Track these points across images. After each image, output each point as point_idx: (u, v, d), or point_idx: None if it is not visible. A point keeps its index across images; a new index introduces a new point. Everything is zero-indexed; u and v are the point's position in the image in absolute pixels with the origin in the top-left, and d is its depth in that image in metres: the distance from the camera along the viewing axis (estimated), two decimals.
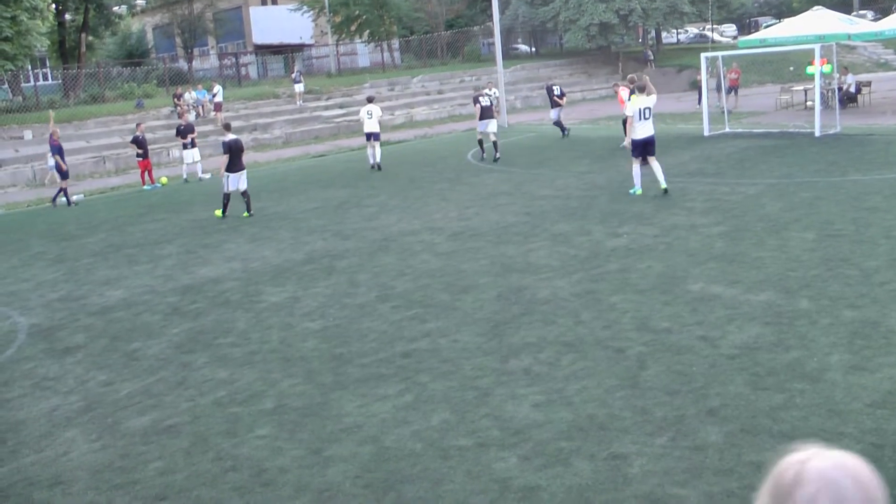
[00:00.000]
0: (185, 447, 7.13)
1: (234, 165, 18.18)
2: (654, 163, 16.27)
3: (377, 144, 24.55)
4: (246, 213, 18.36)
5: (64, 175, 23.79)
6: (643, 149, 16.19)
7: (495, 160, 23.60)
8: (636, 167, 16.54)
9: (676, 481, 5.73)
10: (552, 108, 29.73)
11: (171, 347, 9.93)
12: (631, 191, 16.68)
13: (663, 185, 16.14)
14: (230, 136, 18.53)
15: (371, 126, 24.53)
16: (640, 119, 16.06)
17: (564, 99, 30.41)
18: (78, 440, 7.58)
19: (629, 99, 18.31)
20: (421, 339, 9.25)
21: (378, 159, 24.46)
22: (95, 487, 6.60)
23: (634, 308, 9.60)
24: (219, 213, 18.66)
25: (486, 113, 24.06)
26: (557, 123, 29.45)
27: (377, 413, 7.39)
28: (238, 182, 18.28)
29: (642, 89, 16.30)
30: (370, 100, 25.86)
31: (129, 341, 10.37)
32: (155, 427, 7.65)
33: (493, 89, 29.90)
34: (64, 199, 23.69)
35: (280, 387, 8.25)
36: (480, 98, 24.41)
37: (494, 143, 23.94)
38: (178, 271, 13.85)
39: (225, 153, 18.30)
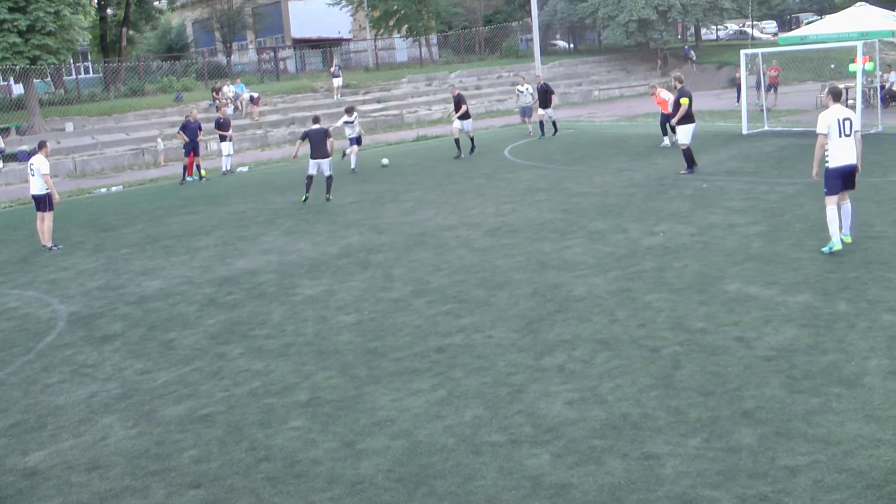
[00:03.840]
0: (220, 436, 7.21)
1: (316, 152, 19.45)
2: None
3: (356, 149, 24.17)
4: (327, 197, 19.44)
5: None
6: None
7: (472, 151, 25.56)
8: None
9: (709, 483, 5.69)
10: (545, 107, 29.15)
11: (207, 338, 10.03)
12: None
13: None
14: (314, 126, 20.04)
15: (351, 132, 23.92)
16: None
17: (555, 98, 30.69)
18: (115, 426, 7.68)
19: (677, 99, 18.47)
20: (455, 335, 9.26)
21: (352, 165, 24.02)
22: (132, 473, 6.69)
23: (670, 307, 9.54)
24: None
25: (467, 113, 26.07)
26: (551, 122, 29.47)
27: (410, 407, 7.42)
28: (316, 167, 19.55)
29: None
30: (349, 111, 24.40)
31: (165, 331, 10.48)
32: (190, 416, 7.73)
33: (526, 85, 30.91)
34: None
35: (314, 379, 8.30)
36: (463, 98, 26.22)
37: (472, 139, 25.96)
38: (214, 263, 13.96)
39: (302, 139, 19.99)
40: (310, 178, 19.53)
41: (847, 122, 11.05)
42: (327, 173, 19.54)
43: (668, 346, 8.34)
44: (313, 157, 19.48)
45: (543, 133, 29.07)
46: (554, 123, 29.50)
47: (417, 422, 7.10)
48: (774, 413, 6.66)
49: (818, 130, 11.14)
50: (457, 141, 25.81)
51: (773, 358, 7.83)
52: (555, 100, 30.02)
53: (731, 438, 6.29)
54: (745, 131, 25.42)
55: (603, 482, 5.82)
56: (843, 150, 11.08)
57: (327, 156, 19.51)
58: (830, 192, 11.15)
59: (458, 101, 26.06)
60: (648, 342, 8.51)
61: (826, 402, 6.78)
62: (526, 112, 30.54)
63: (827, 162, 11.21)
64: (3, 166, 29.99)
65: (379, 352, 8.92)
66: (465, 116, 25.96)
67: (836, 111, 11.09)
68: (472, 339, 9.10)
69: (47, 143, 17.01)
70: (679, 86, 19.28)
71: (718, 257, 11.50)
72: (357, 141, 23.94)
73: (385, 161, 25.21)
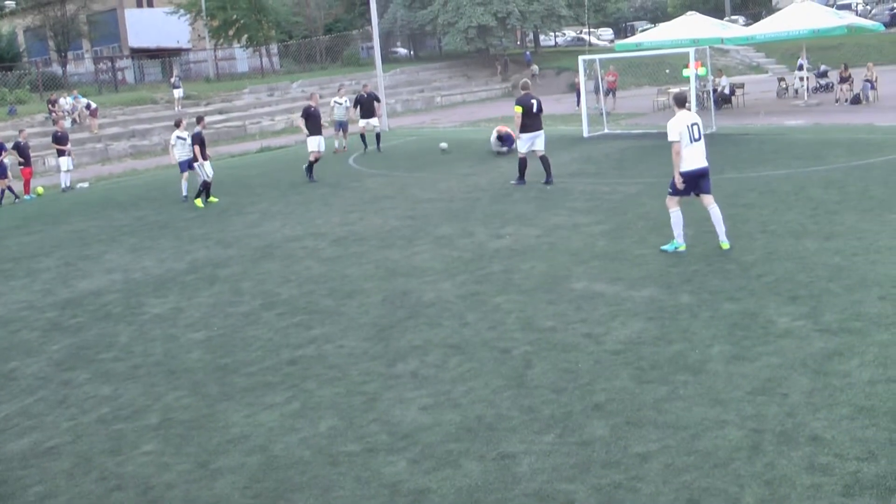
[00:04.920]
0: (68, 468, 6.86)
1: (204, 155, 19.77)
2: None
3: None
4: (211, 199, 19.88)
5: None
6: None
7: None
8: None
9: (565, 477, 5.80)
10: (369, 117, 27.99)
11: (50, 365, 9.55)
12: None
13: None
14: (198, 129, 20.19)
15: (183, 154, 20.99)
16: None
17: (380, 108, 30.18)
18: None
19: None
20: (307, 346, 9.15)
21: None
22: None
23: (519, 308, 9.70)
24: (199, 202, 19.62)
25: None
26: (374, 135, 27.85)
27: (264, 422, 7.27)
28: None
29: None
30: (178, 124, 21.83)
31: (5, 361, 9.92)
32: (35, 449, 7.33)
33: (345, 97, 29.23)
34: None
35: (165, 400, 8.04)
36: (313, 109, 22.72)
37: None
38: (57, 285, 13.35)
39: (194, 144, 19.81)
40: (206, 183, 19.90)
41: (695, 127, 11.19)
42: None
43: (518, 347, 8.47)
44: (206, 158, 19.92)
45: (366, 146, 27.48)
46: (378, 137, 27.65)
47: (272, 436, 6.97)
48: (625, 404, 6.87)
49: (670, 138, 11.13)
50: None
51: (621, 351, 8.06)
52: (380, 109, 29.55)
53: (584, 432, 6.44)
54: (585, 134, 26.16)
55: (460, 485, 5.85)
56: (694, 155, 11.18)
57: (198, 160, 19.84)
58: (674, 193, 11.31)
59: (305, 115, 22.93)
60: (499, 343, 8.62)
61: (673, 390, 7.03)
62: (342, 126, 28.68)
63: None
64: None
65: (230, 368, 8.72)
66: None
67: (684, 117, 11.19)
68: (323, 349, 9.00)
69: None
70: (523, 92, 18.14)
71: (565, 257, 11.78)
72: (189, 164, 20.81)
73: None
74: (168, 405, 7.93)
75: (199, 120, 21.08)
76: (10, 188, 24.65)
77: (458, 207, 16.21)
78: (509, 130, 22.40)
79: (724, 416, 6.48)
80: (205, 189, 19.93)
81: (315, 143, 21.98)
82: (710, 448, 5.99)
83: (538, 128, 17.83)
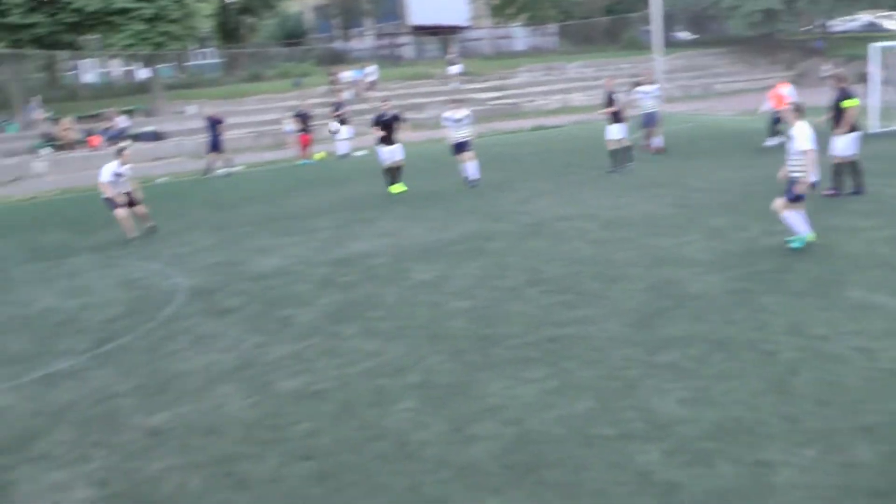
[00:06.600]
0: (332, 412, 7.38)
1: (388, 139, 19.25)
2: None
3: None
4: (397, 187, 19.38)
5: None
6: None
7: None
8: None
9: (824, 497, 5.54)
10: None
11: (322, 316, 10.25)
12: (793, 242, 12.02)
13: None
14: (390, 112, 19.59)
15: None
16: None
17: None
18: (232, 395, 7.96)
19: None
20: (569, 325, 9.23)
21: None
22: (247, 440, 6.96)
23: (788, 310, 9.29)
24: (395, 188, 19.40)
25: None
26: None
27: (522, 395, 7.44)
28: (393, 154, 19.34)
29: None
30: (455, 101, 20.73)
31: (282, 307, 10.76)
32: (304, 390, 7.94)
33: (654, 85, 23.71)
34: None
35: (426, 362, 8.41)
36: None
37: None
38: (330, 244, 14.23)
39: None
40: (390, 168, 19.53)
41: None
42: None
43: (784, 351, 8.13)
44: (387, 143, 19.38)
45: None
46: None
47: (529, 410, 7.13)
48: None
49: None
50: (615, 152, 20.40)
51: None
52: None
53: (849, 453, 6.09)
54: (874, 130, 24.43)
55: (712, 485, 5.75)
56: None
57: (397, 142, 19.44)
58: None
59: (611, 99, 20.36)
60: (764, 345, 8.31)
61: None
62: (651, 120, 23.25)
63: None
64: (131, 145, 31.25)
65: (492, 339, 8.97)
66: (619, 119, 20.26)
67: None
68: (585, 330, 9.05)
69: (126, 151, 16.77)
70: (841, 85, 15.62)
71: (841, 262, 11.13)
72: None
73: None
74: (429, 367, 8.29)
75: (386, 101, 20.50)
76: (221, 161, 26.26)
77: (733, 199, 15.67)
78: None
79: None
80: (390, 174, 19.53)
81: (615, 131, 20.04)
82: None
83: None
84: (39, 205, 23.52)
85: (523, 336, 8.99)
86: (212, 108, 28.45)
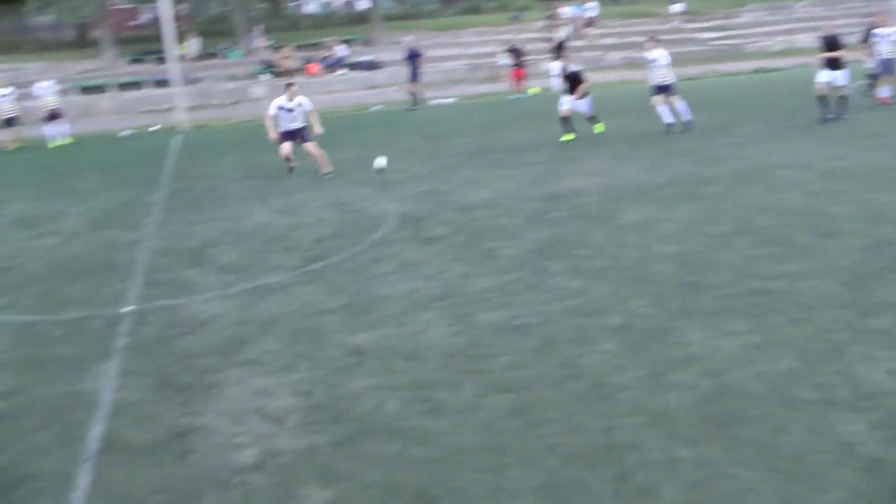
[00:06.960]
0: (533, 347, 7.40)
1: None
2: None
3: None
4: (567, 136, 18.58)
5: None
6: None
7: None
8: None
9: None
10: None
11: (528, 251, 10.27)
12: None
13: None
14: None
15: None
16: None
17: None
18: (434, 323, 8.12)
19: None
20: (777, 280, 8.83)
21: None
22: (446, 368, 7.07)
23: None
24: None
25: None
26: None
27: (722, 347, 7.20)
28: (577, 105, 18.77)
29: None
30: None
31: (488, 240, 10.85)
32: (506, 323, 8.00)
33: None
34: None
35: (629, 305, 8.28)
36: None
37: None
38: (540, 179, 14.21)
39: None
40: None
41: None
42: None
43: None
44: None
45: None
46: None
47: (728, 363, 6.88)
48: None
49: None
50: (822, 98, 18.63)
51: None
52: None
53: None
54: None
55: None
56: None
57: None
58: None
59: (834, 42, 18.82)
60: None
61: None
62: (888, 67, 20.81)
63: None
64: (348, 73, 32.19)
65: (696, 286, 8.71)
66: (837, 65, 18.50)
67: None
68: (793, 286, 8.62)
69: (293, 86, 16.48)
70: None
71: None
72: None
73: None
74: (631, 310, 8.15)
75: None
76: (415, 94, 26.27)
77: None
78: None
79: None
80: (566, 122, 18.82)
81: (825, 76, 18.45)
82: None
83: None
84: (257, 127, 24.65)
85: (729, 286, 8.67)
86: (413, 42, 28.70)
